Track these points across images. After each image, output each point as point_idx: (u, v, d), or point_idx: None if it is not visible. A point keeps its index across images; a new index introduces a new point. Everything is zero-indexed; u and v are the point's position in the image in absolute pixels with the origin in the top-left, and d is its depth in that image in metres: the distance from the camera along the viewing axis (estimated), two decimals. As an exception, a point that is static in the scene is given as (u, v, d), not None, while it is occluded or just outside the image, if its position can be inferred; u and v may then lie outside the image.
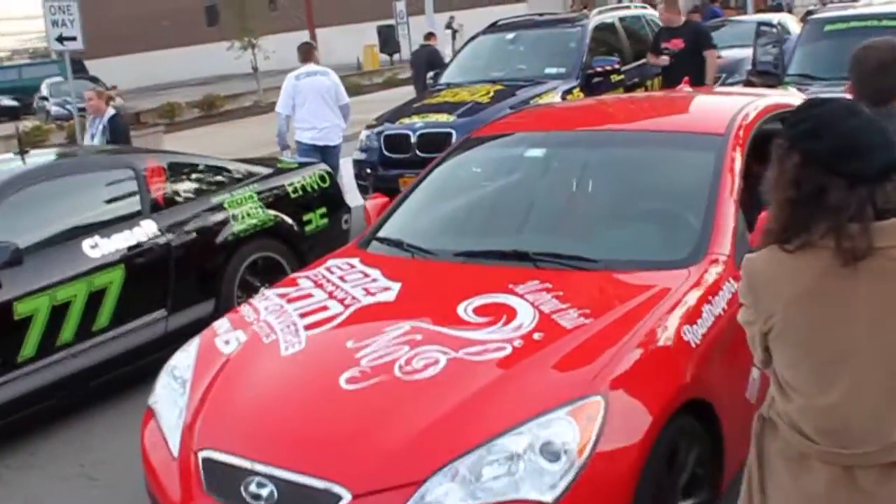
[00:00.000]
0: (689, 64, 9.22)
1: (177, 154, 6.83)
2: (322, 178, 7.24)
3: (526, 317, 3.32)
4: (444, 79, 10.64)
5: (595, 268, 3.72)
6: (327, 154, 9.27)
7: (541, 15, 11.86)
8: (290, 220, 6.76)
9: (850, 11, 10.15)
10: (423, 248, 4.21)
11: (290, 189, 6.93)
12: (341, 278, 4.00)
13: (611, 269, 3.70)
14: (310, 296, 3.90)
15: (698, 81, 8.92)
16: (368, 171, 9.20)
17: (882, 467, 2.09)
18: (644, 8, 12.13)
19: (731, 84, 13.04)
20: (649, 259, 3.73)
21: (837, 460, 2.11)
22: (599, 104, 5.92)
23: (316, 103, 9.47)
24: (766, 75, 10.24)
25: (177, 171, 6.35)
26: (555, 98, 9.14)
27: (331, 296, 3.83)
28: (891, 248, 2.02)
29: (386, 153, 9.11)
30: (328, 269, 4.15)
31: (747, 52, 13.95)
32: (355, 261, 4.18)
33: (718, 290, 3.46)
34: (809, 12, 17.31)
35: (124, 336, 5.58)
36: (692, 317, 3.28)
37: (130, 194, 5.94)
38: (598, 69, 9.67)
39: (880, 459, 2.08)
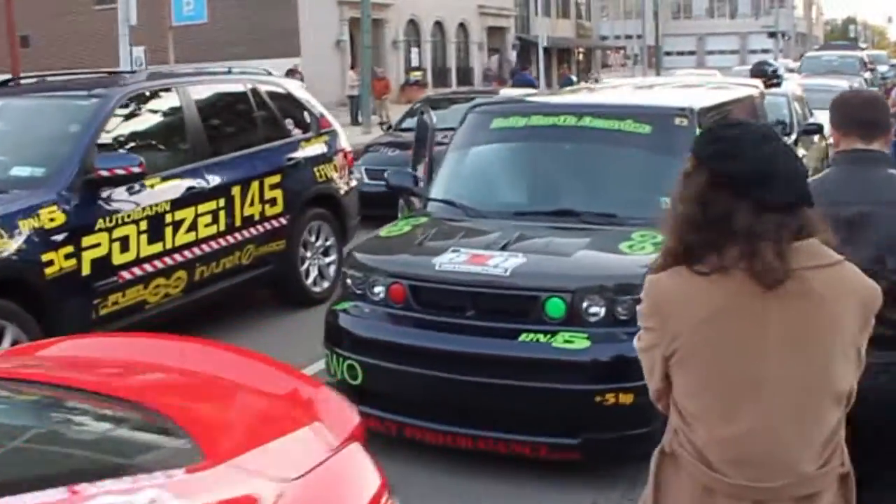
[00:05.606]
0: None
1: None
2: None
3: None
4: None
5: None
6: None
7: (112, 73, 7.62)
8: None
9: (531, 99, 6.49)
10: None
11: None
12: None
13: None
14: None
15: None
16: None
17: (794, 502, 1.99)
18: (262, 74, 7.91)
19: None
20: None
21: (746, 494, 2.00)
22: None
23: None
24: (410, 194, 6.43)
25: None
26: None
27: None
28: (802, 269, 1.96)
29: None
30: None
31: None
32: None
33: None
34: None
35: None
36: None
37: None
38: (105, 173, 5.45)
39: (792, 493, 1.99)
